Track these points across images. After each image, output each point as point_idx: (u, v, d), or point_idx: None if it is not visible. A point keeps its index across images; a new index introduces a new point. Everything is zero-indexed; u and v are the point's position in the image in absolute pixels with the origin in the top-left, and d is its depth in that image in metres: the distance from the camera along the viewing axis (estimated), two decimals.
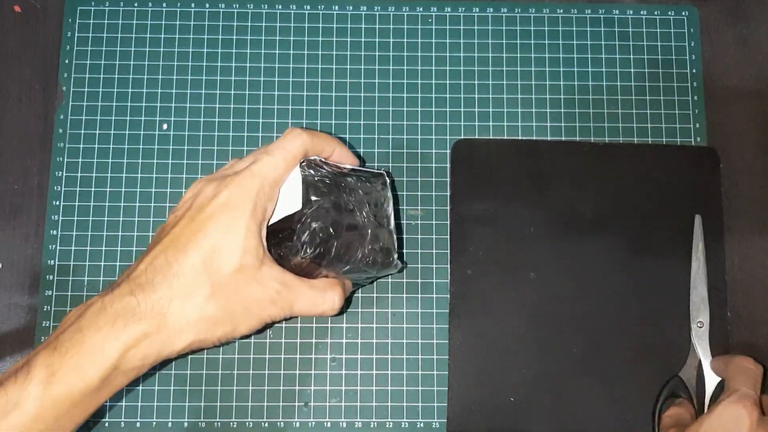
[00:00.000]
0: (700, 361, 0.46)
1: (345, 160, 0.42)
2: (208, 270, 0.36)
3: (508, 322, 0.47)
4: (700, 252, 0.47)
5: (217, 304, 0.36)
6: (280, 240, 0.40)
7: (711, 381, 0.45)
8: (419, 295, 0.48)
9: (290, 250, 0.40)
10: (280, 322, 0.47)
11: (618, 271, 0.48)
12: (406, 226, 0.49)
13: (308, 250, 0.39)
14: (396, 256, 0.44)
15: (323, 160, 0.41)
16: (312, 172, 0.40)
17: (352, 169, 0.43)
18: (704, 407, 0.45)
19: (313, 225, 0.39)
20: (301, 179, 0.40)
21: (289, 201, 0.40)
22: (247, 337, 0.47)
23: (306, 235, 0.39)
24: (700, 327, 0.46)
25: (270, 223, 0.39)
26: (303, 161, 0.40)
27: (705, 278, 0.47)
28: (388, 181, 0.44)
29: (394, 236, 0.44)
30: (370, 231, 0.42)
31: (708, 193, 0.49)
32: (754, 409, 0.38)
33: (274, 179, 0.38)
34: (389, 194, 0.44)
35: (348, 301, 0.48)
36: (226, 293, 0.37)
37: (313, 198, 0.40)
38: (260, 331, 0.40)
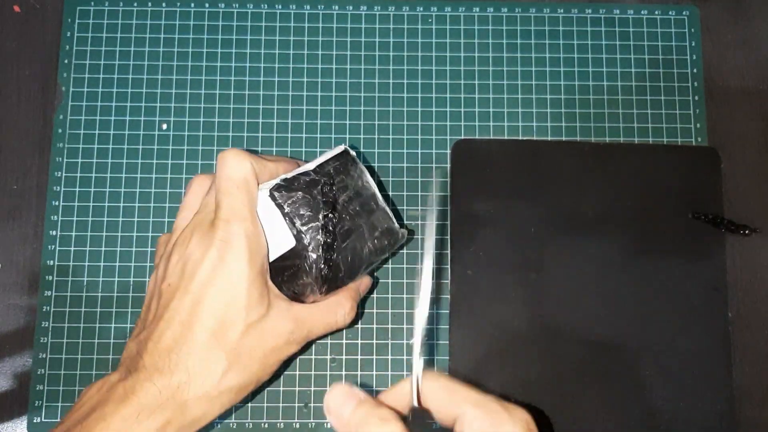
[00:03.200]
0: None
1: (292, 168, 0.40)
2: (219, 341, 0.35)
3: (508, 322, 0.47)
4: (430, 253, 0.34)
5: (236, 373, 0.36)
6: (289, 278, 0.39)
7: None
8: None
9: (304, 288, 0.39)
10: None
11: (619, 272, 0.48)
12: (406, 227, 0.49)
13: (323, 286, 0.38)
14: (398, 228, 0.42)
15: (285, 177, 0.39)
16: (284, 197, 0.38)
17: (317, 167, 0.39)
18: None
19: (315, 256, 0.38)
20: (279, 212, 0.38)
21: (279, 237, 0.38)
22: None
23: (314, 270, 0.38)
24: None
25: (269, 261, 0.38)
26: (268, 190, 0.38)
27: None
28: (353, 154, 0.41)
29: (388, 211, 0.41)
30: (365, 224, 0.40)
31: (709, 193, 0.49)
32: None
33: (249, 213, 0.37)
34: (362, 169, 0.41)
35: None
36: (242, 358, 0.36)
37: (303, 228, 0.38)
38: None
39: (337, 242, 0.39)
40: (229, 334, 0.35)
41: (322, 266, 0.38)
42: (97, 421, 0.33)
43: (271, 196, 0.38)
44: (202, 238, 0.36)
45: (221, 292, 0.35)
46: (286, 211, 0.38)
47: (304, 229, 0.38)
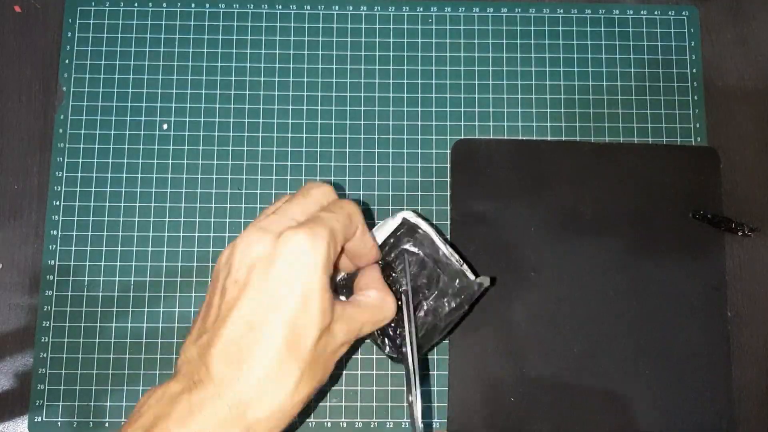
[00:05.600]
0: None
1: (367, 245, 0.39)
2: (292, 350, 0.32)
3: (508, 322, 0.47)
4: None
5: (306, 383, 0.33)
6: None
7: None
8: None
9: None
10: None
11: (618, 271, 0.48)
12: None
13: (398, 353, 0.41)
14: (472, 282, 0.42)
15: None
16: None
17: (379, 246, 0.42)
18: None
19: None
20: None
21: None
22: None
23: (387, 342, 0.41)
24: None
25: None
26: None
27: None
28: (413, 221, 0.42)
29: (459, 267, 0.42)
30: (436, 292, 0.42)
31: (708, 193, 0.49)
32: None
33: (341, 235, 0.35)
34: (425, 232, 0.42)
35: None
36: (312, 367, 0.33)
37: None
38: None
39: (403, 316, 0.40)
40: (302, 342, 0.32)
41: (391, 334, 0.41)
42: None
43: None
44: (278, 237, 0.33)
45: (296, 294, 0.32)
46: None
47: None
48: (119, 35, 0.52)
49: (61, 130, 0.50)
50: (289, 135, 0.50)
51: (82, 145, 0.50)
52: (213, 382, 0.31)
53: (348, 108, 0.51)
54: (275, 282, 0.32)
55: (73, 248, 0.48)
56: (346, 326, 0.35)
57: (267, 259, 0.33)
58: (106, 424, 0.46)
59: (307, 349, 0.32)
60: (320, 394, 0.47)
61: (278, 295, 0.32)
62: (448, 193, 0.49)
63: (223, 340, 0.32)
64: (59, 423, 0.46)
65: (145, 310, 0.48)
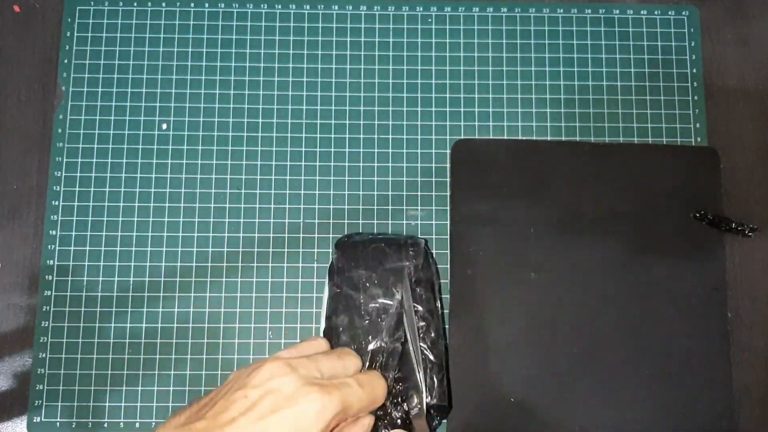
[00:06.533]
0: None
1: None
2: None
3: (508, 322, 0.47)
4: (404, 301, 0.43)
5: None
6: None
7: None
8: None
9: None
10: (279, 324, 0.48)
11: (618, 271, 0.48)
12: (406, 227, 0.49)
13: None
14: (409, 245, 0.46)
15: None
16: None
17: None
18: None
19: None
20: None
21: None
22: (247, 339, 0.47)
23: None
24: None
25: None
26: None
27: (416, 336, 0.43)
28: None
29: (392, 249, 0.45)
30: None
31: (708, 193, 0.49)
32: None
33: (356, 409, 0.38)
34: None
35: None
36: None
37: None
38: None
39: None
40: None
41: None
42: None
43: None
44: (300, 383, 0.37)
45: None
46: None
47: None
48: (118, 35, 0.52)
49: (60, 130, 0.50)
50: (289, 135, 0.50)
51: (81, 145, 0.50)
52: None
53: (348, 108, 0.51)
54: (276, 419, 0.35)
55: (72, 248, 0.48)
56: None
57: (281, 397, 0.36)
58: (105, 425, 0.46)
59: None
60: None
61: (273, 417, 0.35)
62: (448, 193, 0.49)
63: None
64: (58, 423, 0.46)
65: (144, 310, 0.48)
